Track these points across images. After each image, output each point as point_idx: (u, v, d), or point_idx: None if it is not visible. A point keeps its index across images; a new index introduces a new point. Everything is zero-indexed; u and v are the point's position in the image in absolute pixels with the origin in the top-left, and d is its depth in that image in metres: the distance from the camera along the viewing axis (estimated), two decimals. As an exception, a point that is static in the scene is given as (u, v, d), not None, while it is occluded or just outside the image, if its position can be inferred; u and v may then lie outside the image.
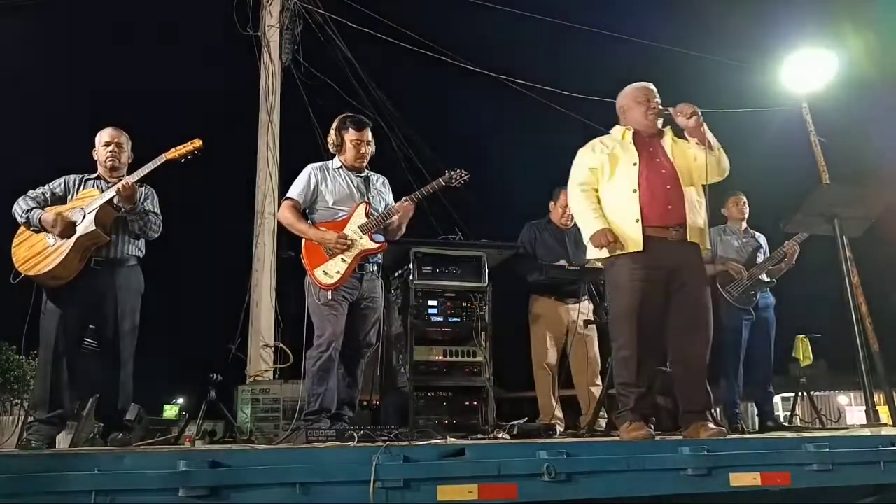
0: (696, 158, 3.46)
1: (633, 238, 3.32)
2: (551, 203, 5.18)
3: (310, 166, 3.99)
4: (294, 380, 4.74)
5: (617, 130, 3.61)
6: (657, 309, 3.31)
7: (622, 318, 3.34)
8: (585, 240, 3.49)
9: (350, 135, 3.94)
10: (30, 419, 3.53)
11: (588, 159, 3.54)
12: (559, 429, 4.59)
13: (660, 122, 3.53)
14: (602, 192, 3.48)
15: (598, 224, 3.39)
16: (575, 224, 5.09)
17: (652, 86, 3.58)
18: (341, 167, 3.98)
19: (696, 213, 3.44)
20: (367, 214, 3.84)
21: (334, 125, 4.01)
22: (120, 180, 3.62)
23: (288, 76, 7.33)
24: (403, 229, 4.01)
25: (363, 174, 4.03)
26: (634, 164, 3.42)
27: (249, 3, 7.22)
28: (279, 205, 4.36)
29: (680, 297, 3.33)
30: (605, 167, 3.47)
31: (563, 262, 4.82)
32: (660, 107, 3.50)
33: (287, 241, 5.64)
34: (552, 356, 4.88)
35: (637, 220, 3.32)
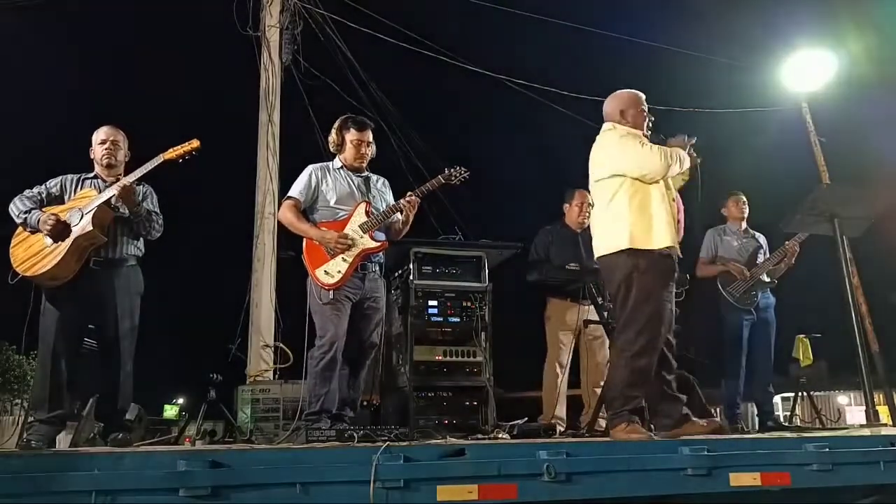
0: None
1: (674, 236, 3.41)
2: (565, 205, 5.14)
3: (310, 166, 4.00)
4: (294, 380, 4.74)
5: (634, 131, 3.55)
6: None
7: (652, 324, 3.31)
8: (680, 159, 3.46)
9: (351, 135, 3.94)
10: (30, 419, 3.52)
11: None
12: (560, 428, 4.58)
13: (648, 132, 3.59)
14: (647, 187, 3.44)
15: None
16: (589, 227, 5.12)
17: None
18: (342, 167, 3.99)
19: None
20: (367, 213, 3.84)
21: (336, 125, 4.02)
22: (117, 179, 3.61)
23: (288, 76, 7.32)
24: (410, 223, 3.99)
25: (363, 174, 4.03)
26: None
27: (249, 3, 7.22)
28: (279, 205, 4.36)
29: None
30: None
31: (575, 265, 4.79)
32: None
33: (287, 241, 5.64)
34: (565, 356, 4.87)
35: (678, 223, 3.46)
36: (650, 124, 3.58)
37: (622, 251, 3.37)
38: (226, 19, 7.13)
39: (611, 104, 3.64)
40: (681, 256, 3.54)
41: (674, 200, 3.51)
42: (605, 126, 3.63)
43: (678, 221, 3.53)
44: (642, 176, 3.41)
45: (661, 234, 3.35)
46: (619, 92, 3.66)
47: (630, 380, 3.30)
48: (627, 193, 3.41)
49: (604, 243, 3.49)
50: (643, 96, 3.63)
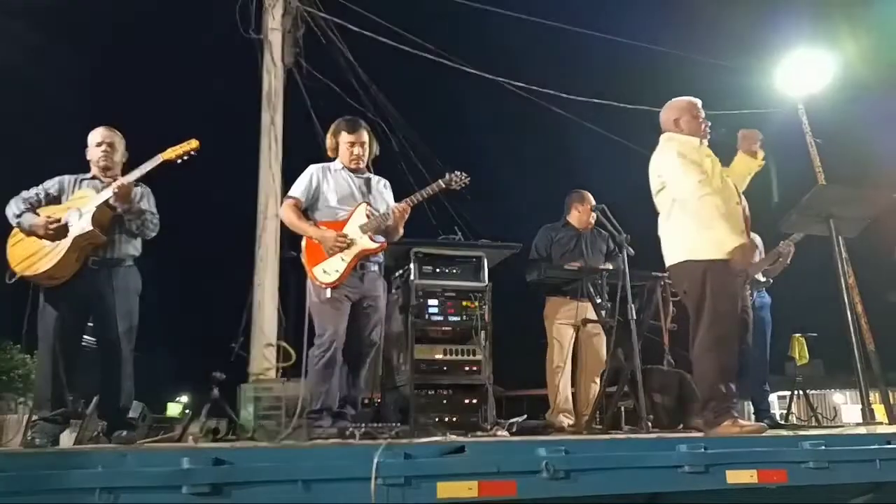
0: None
1: (730, 240, 3.37)
2: (574, 205, 5.14)
3: (312, 167, 4.03)
4: (297, 378, 4.77)
5: (692, 139, 3.55)
6: None
7: (718, 325, 3.32)
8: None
9: (343, 137, 3.98)
10: (34, 418, 3.54)
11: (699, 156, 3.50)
12: (567, 422, 4.62)
13: (706, 141, 3.61)
14: (714, 195, 3.39)
15: None
16: (595, 227, 5.11)
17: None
18: (342, 168, 4.02)
19: None
20: (367, 215, 3.87)
21: (330, 129, 4.05)
22: (114, 180, 3.62)
23: (290, 79, 7.35)
24: (401, 231, 4.02)
25: (364, 175, 4.06)
26: (728, 177, 3.50)
27: (252, 6, 7.25)
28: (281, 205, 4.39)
29: None
30: (714, 171, 3.48)
31: (576, 265, 4.82)
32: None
33: (290, 242, 5.68)
34: (566, 351, 4.90)
35: (742, 232, 3.41)
36: (708, 129, 3.58)
37: (678, 263, 3.46)
38: (228, 22, 7.17)
39: (665, 114, 3.67)
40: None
41: (738, 203, 3.50)
42: (662, 137, 3.65)
43: (745, 226, 3.50)
44: (678, 196, 3.46)
45: (719, 242, 3.33)
46: (673, 101, 3.68)
47: (718, 377, 3.34)
48: (680, 207, 3.45)
49: (667, 254, 3.56)
50: (698, 102, 3.63)
